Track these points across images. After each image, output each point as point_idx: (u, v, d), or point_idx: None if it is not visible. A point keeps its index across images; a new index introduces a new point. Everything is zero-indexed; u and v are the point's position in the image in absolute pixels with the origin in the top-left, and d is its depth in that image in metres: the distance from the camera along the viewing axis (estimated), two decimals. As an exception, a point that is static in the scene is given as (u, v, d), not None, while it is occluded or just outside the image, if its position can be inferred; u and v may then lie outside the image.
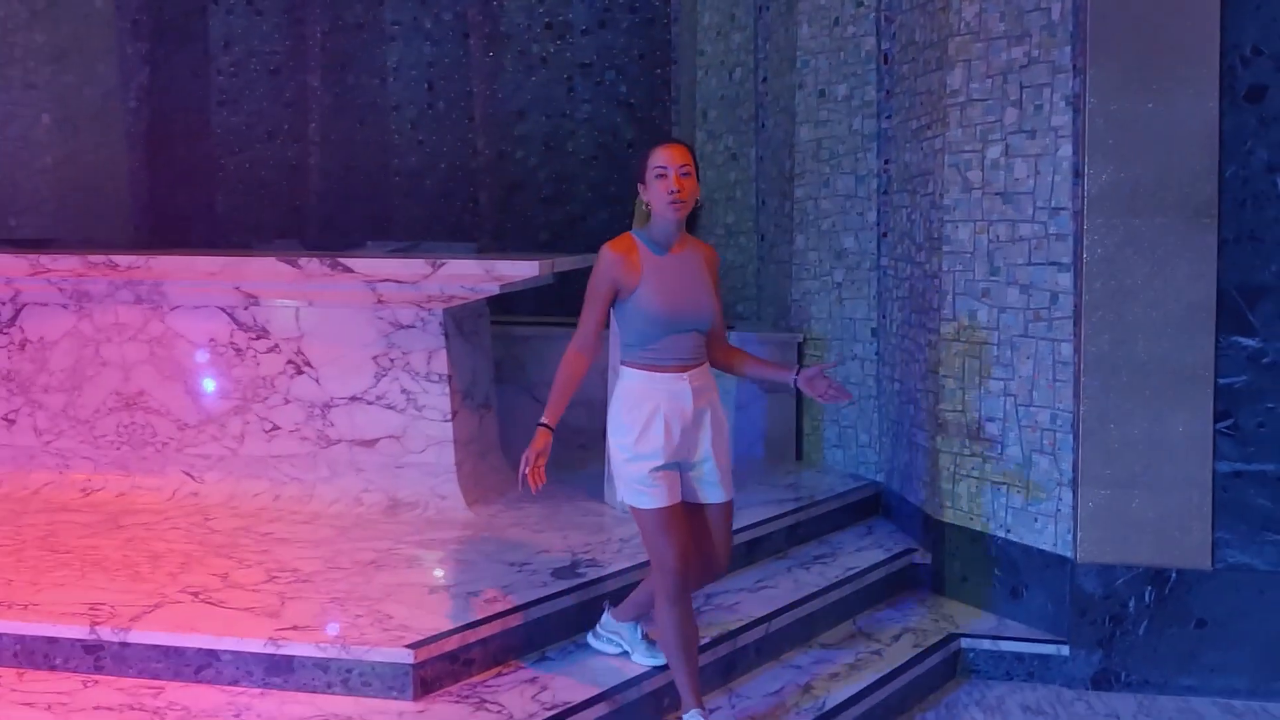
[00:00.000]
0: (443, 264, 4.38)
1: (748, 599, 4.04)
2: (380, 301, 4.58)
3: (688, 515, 3.21)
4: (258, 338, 4.74)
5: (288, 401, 4.75)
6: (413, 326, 4.61)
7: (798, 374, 3.25)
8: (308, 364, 4.72)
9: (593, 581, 3.79)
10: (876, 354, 5.27)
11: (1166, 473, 3.97)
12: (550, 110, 7.30)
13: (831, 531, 4.87)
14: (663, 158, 3.10)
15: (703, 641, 3.64)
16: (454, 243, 6.61)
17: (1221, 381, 3.93)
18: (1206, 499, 3.96)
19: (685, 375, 3.15)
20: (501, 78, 7.34)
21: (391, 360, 4.66)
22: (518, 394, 5.76)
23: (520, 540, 4.27)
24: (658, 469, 3.11)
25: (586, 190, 7.28)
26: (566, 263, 4.68)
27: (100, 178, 7.15)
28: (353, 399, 4.70)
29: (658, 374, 3.14)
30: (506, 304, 6.15)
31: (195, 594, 3.65)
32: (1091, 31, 3.91)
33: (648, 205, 3.16)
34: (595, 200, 7.24)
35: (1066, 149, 4.05)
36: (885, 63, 5.10)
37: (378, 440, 4.70)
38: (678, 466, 3.18)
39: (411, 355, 4.63)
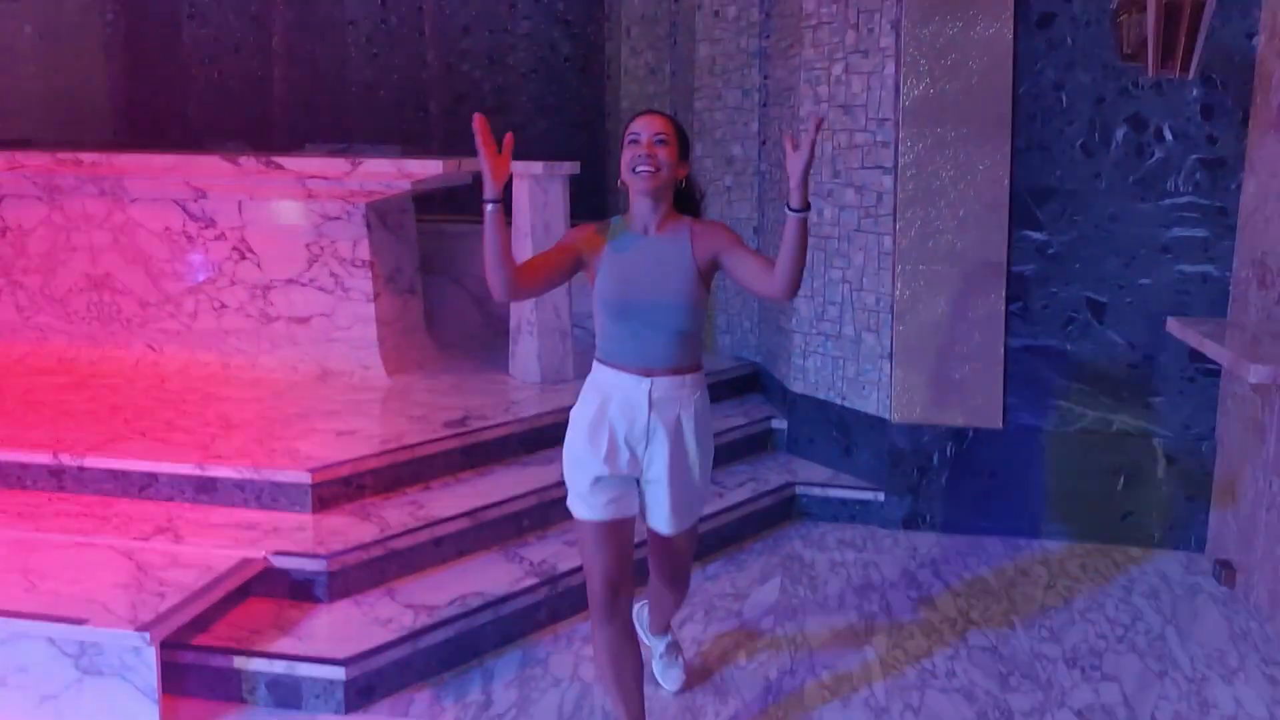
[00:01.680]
0: (360, 163, 5.06)
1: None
2: (310, 196, 5.27)
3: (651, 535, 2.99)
4: (206, 227, 5.44)
5: (234, 283, 5.47)
6: (339, 218, 5.30)
7: (789, 203, 2.60)
8: (250, 250, 5.42)
9: (475, 430, 4.53)
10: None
11: (966, 347, 4.68)
12: (494, 26, 7.90)
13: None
14: (636, 124, 2.74)
15: (550, 483, 4.38)
16: (405, 148, 7.25)
17: (1013, 269, 4.62)
18: (999, 369, 4.68)
19: (647, 380, 2.75)
20: (449, -5, 7.92)
21: (321, 248, 5.35)
22: (448, 284, 6.47)
23: (427, 400, 5.00)
24: (598, 479, 2.78)
25: (527, 101, 7.91)
26: (474, 164, 5.32)
27: (81, 85, 7.80)
28: (289, 281, 5.41)
29: (617, 373, 2.77)
30: (450, 204, 6.84)
31: (143, 433, 4.40)
32: (909, -36, 4.52)
33: (622, 184, 2.77)
34: (534, 111, 7.87)
35: (891, 67, 4.68)
36: (765, -13, 5.70)
37: (311, 318, 5.42)
38: (625, 479, 2.82)
39: (339, 243, 5.33)
